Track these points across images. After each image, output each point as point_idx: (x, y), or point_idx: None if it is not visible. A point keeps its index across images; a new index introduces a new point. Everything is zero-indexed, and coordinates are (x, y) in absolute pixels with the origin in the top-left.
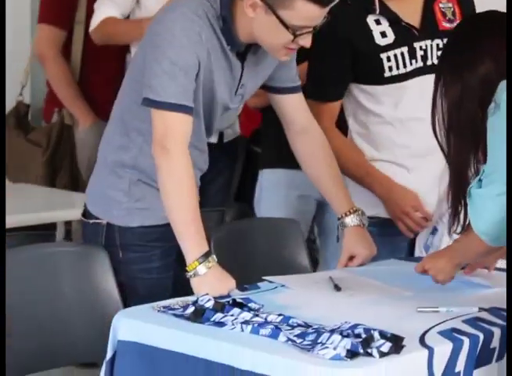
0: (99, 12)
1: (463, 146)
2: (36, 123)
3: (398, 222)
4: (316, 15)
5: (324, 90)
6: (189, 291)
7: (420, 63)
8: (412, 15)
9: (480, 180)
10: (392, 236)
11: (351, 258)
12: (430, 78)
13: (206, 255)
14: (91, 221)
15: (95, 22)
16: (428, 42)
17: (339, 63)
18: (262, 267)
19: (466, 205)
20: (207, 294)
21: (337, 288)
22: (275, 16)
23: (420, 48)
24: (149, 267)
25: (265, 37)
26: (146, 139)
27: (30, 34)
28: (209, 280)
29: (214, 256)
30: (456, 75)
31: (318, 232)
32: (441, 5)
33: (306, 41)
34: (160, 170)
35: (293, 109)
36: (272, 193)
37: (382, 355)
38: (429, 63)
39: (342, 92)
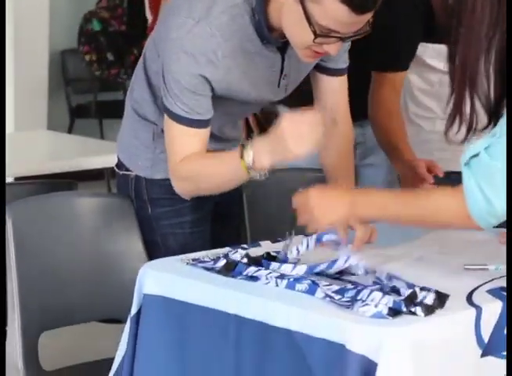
0: None
1: (473, 42)
2: None
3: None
4: (346, 19)
5: (399, 60)
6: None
7: None
8: None
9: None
10: None
11: None
12: None
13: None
14: (121, 172)
15: None
16: None
17: (417, 28)
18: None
19: (472, 108)
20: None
21: None
22: (302, 6)
23: None
24: (181, 221)
25: (289, 29)
26: None
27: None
28: (262, 143)
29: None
30: None
31: None
32: None
33: (332, 49)
34: (180, 191)
35: (331, 94)
36: None
37: (426, 312)
38: None
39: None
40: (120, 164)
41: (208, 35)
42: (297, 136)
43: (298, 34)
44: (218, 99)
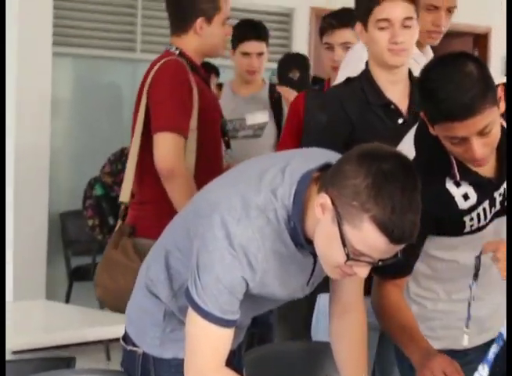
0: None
1: None
2: None
3: None
4: (383, 248)
5: (403, 267)
6: None
7: (498, 207)
8: (490, 166)
9: None
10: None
11: None
12: (504, 218)
13: None
14: (129, 348)
15: None
16: (505, 184)
17: (420, 239)
18: None
19: None
20: None
21: None
22: (339, 228)
23: (500, 194)
24: None
25: (321, 247)
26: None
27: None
28: None
29: None
30: None
31: (378, 368)
32: None
33: (362, 271)
34: None
35: (347, 287)
36: None
37: None
38: (506, 204)
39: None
40: (127, 338)
41: (250, 238)
42: None
43: (330, 253)
44: (247, 296)
